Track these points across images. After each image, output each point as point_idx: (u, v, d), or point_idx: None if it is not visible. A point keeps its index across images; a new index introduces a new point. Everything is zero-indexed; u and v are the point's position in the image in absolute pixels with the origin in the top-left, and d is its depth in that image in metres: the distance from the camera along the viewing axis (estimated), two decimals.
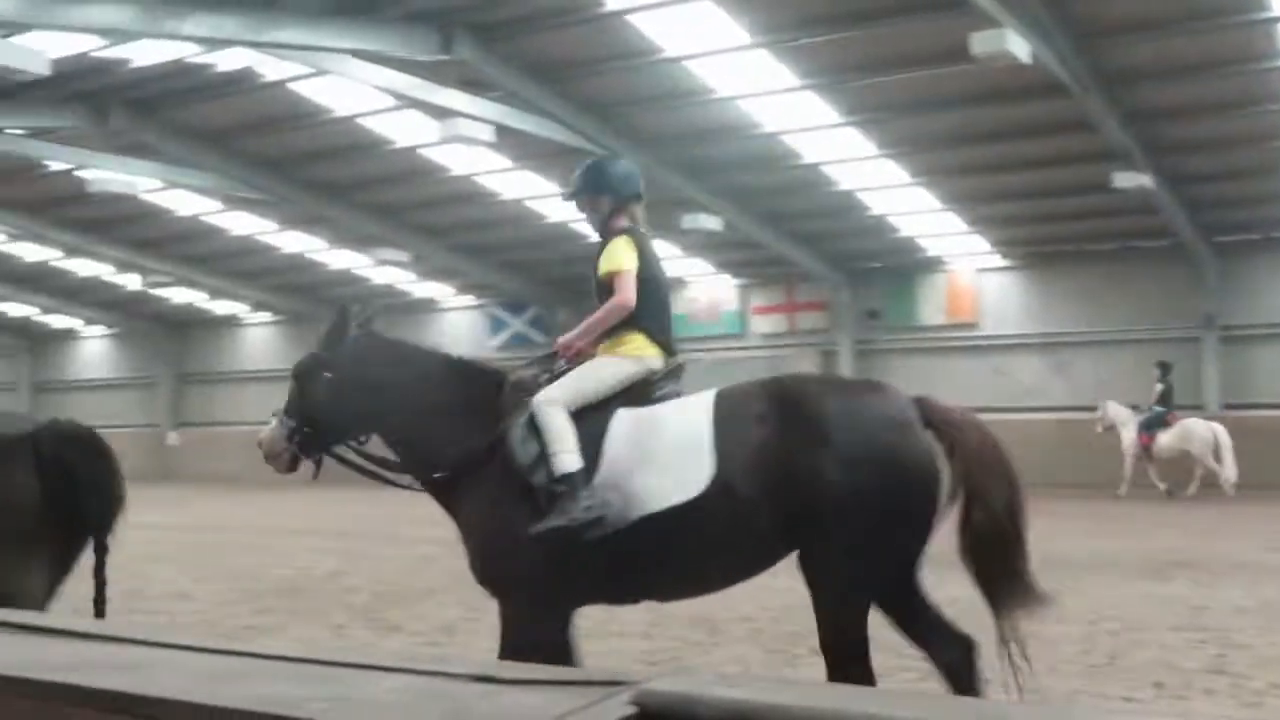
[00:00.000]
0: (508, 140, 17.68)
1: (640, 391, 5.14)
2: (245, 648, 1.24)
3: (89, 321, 34.39)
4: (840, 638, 4.63)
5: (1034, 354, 22.77)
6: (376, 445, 5.45)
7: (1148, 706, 5.89)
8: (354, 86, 16.62)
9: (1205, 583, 10.01)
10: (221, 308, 31.90)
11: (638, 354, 5.20)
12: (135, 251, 26.49)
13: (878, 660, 4.72)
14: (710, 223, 20.83)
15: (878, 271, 24.11)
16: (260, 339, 32.48)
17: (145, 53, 16.00)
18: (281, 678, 1.13)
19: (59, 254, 27.89)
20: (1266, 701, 5.90)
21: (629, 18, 14.70)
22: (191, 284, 29.33)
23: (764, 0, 14.30)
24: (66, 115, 17.97)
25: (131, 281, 29.55)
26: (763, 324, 25.65)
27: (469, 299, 28.89)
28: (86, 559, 5.21)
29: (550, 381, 5.14)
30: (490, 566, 5.08)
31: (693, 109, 17.38)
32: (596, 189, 5.50)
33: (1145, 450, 19.23)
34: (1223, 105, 16.28)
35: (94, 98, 17.79)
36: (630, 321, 5.21)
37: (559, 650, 4.89)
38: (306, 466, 5.51)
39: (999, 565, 4.63)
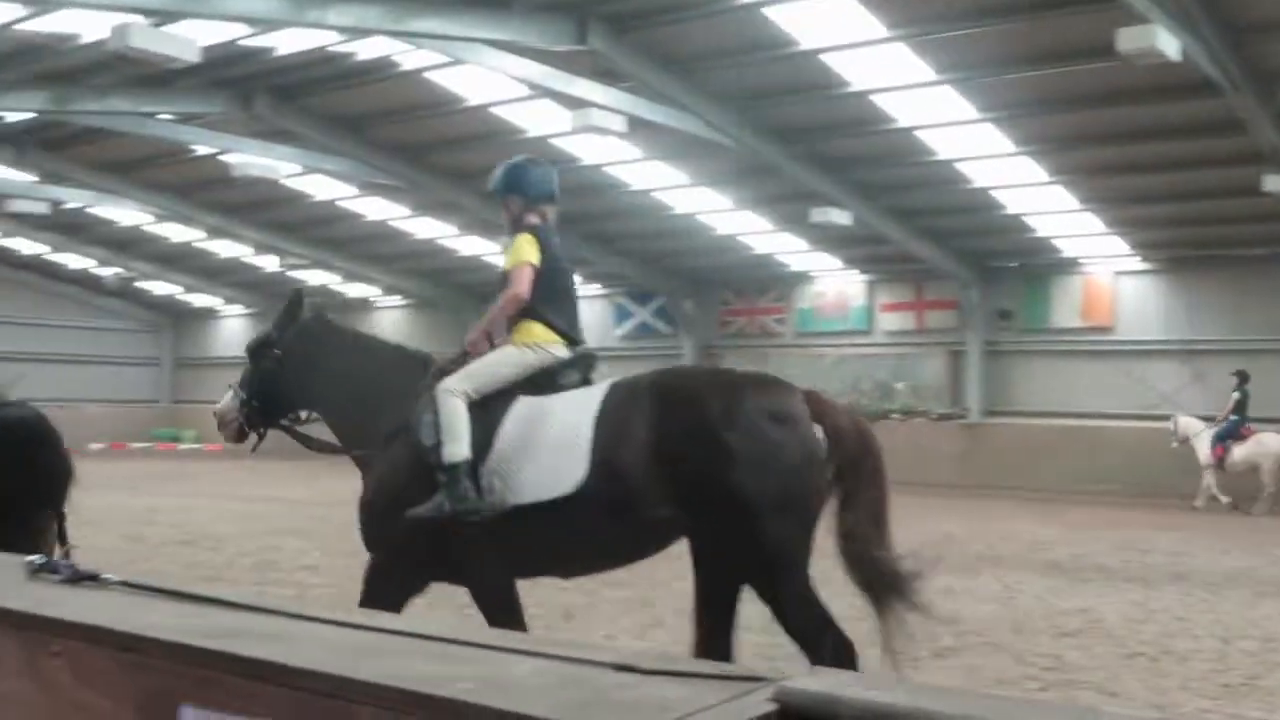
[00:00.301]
0: (639, 131, 17.72)
1: (546, 380, 5.36)
2: (386, 624, 1.26)
3: (229, 300, 35.44)
4: (721, 621, 5.03)
5: (1172, 361, 22.04)
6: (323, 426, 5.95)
7: None
8: (488, 75, 16.81)
9: None
10: (354, 290, 32.60)
11: (536, 342, 5.44)
12: (274, 234, 27.23)
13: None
14: (839, 217, 20.61)
15: (1010, 271, 23.60)
16: (391, 322, 33.09)
17: (289, 41, 16.41)
18: (422, 656, 1.15)
19: (203, 235, 28.82)
20: None
21: (764, 10, 14.60)
22: (326, 267, 30.02)
23: None
24: (213, 101, 18.55)
25: (270, 263, 30.38)
26: (890, 321, 25.31)
27: (595, 288, 29.04)
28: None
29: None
30: (372, 527, 5.47)
31: (825, 102, 17.20)
32: (508, 189, 5.90)
33: (1219, 462, 18.66)
34: None
35: (239, 85, 18.32)
36: (530, 312, 5.46)
37: (507, 607, 5.37)
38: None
39: (867, 563, 4.85)
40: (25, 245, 31.14)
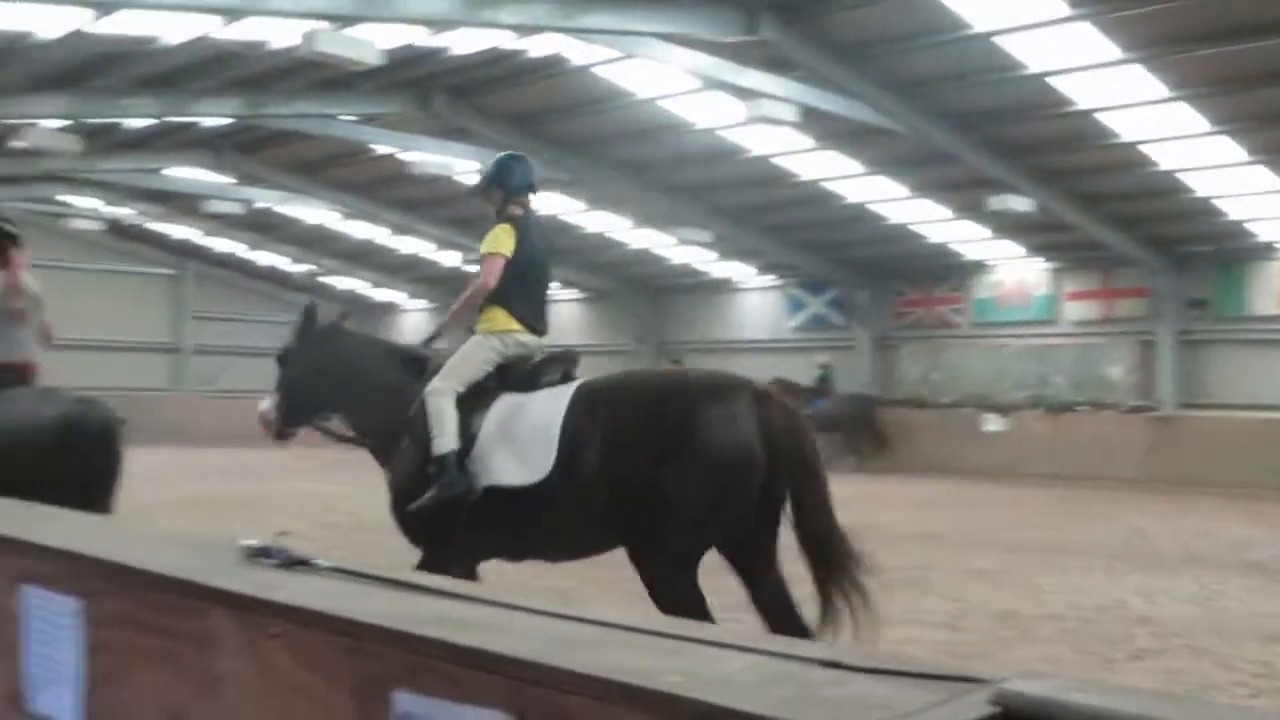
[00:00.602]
0: (810, 120, 17.56)
1: (528, 378, 5.83)
2: (596, 616, 1.28)
3: (410, 295, 36.46)
4: (777, 600, 5.33)
5: None
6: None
7: None
8: (658, 69, 16.89)
9: None
10: None
11: (501, 329, 5.89)
12: (452, 230, 27.88)
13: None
14: (1018, 204, 20.04)
15: (1205, 257, 22.57)
16: (565, 315, 33.55)
17: (463, 41, 16.79)
18: (632, 647, 1.16)
19: (385, 232, 29.72)
20: None
21: None
22: None
23: None
24: (393, 102, 19.12)
25: (449, 258, 31.14)
26: (1076, 310, 24.49)
27: (768, 279, 28.92)
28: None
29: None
30: (400, 523, 5.94)
31: (1002, 86, 16.73)
32: (490, 184, 6.28)
33: None
34: None
35: (416, 85, 18.83)
36: (495, 299, 5.91)
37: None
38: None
39: (823, 544, 5.24)
40: (223, 244, 32.65)
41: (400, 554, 6.19)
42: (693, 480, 5.07)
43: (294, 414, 6.56)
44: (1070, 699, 0.89)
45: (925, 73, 16.60)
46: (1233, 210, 20.70)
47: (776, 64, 16.09)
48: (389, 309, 37.77)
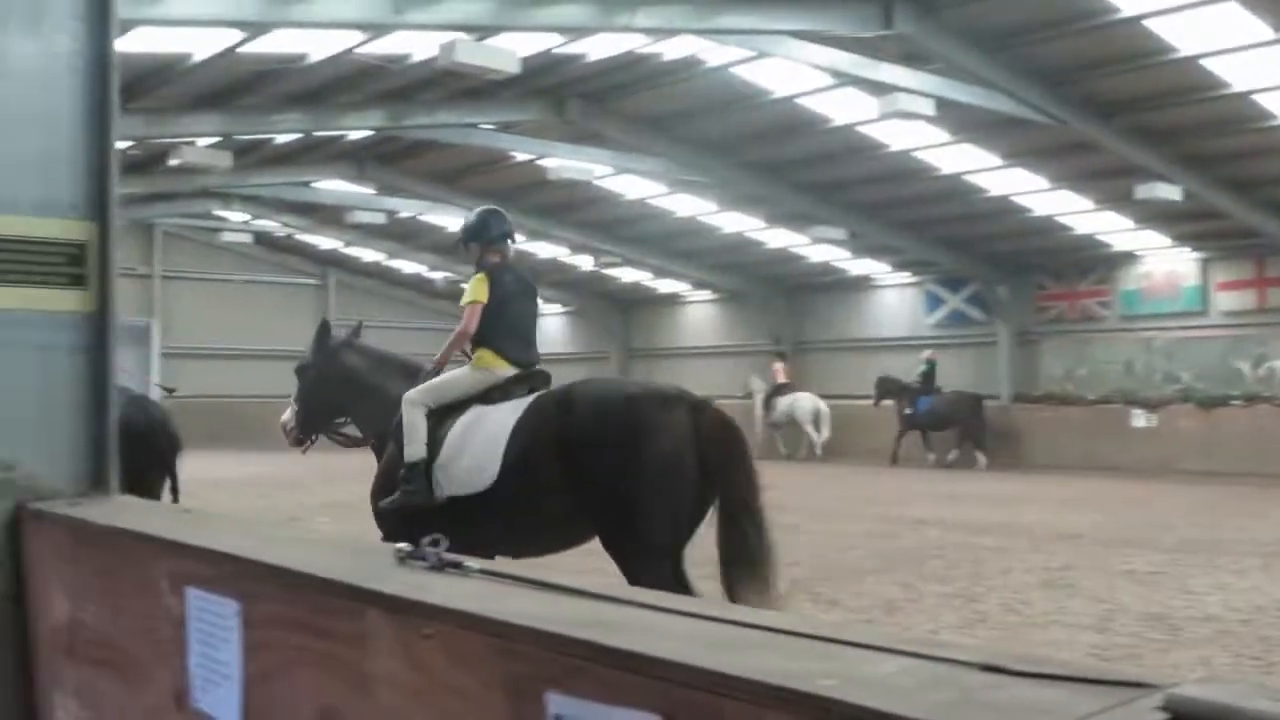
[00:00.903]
0: (948, 113, 17.26)
1: (499, 393, 6.42)
2: (744, 618, 1.27)
3: (546, 300, 36.86)
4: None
5: None
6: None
7: None
8: (793, 67, 16.79)
9: None
10: (665, 286, 33.26)
11: (486, 366, 6.56)
12: (587, 234, 28.14)
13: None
14: (1167, 192, 19.40)
15: None
16: (701, 316, 33.60)
17: (599, 47, 16.91)
18: (784, 650, 1.15)
19: (522, 238, 30.01)
20: None
21: None
22: (637, 264, 30.76)
23: None
24: (529, 109, 19.36)
25: (584, 262, 31.43)
26: (1227, 301, 23.60)
27: (905, 276, 28.52)
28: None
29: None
30: (376, 516, 6.55)
31: (1150, 70, 16.20)
32: (465, 239, 6.98)
33: None
34: None
35: (552, 92, 19.04)
36: (482, 342, 6.59)
37: None
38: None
39: (739, 542, 5.56)
40: (366, 253, 33.48)
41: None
42: (638, 479, 5.62)
43: (310, 422, 7.30)
44: (1249, 706, 0.85)
45: (1068, 60, 16.17)
46: None
47: (912, 57, 15.85)
48: None
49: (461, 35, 13.87)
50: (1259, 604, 8.54)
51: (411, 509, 6.16)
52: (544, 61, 16.96)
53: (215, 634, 2.03)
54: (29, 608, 2.91)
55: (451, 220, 28.64)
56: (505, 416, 6.13)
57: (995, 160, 20.41)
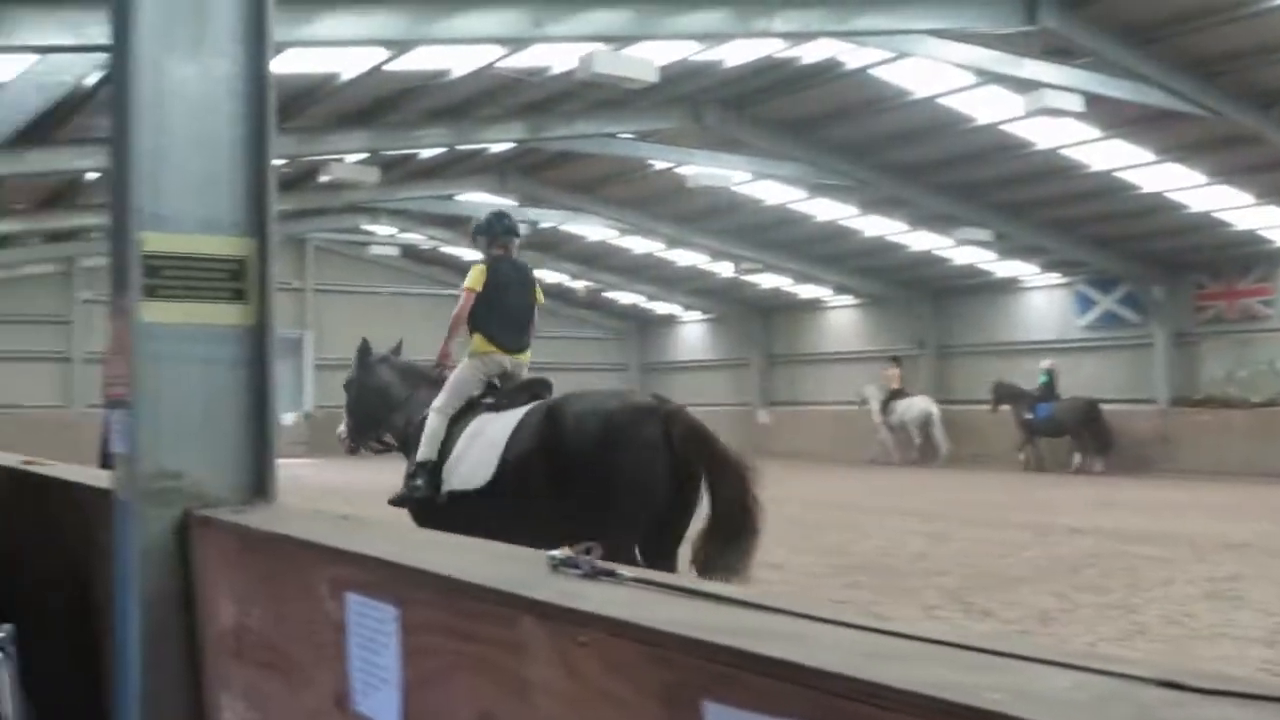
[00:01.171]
0: (1097, 109, 16.77)
1: (504, 400, 7.07)
2: (900, 628, 1.25)
3: (687, 307, 36.95)
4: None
5: None
6: None
7: None
8: (934, 66, 16.52)
9: None
10: (806, 292, 33.02)
11: (480, 352, 7.26)
12: (727, 241, 28.10)
13: None
14: None
15: None
16: (842, 321, 33.26)
17: (736, 53, 16.89)
18: (945, 661, 1.12)
19: (661, 246, 30.23)
20: None
21: None
22: (778, 270, 30.60)
23: None
24: (668, 117, 19.44)
25: (724, 269, 31.40)
26: None
27: (1054, 277, 27.79)
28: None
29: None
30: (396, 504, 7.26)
31: None
32: (475, 236, 7.95)
33: None
34: None
35: (691, 99, 19.07)
36: (475, 327, 7.32)
37: None
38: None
39: (714, 553, 6.12)
40: None
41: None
42: (610, 485, 6.26)
43: (359, 432, 8.11)
44: None
45: (1222, 50, 15.57)
46: None
47: (1058, 53, 15.45)
48: (668, 321, 38.38)
49: (600, 46, 14.00)
50: None
51: (414, 504, 7.00)
52: (681, 69, 17.01)
53: (375, 639, 2.07)
54: (197, 611, 3.01)
55: (592, 230, 28.98)
56: (506, 423, 6.81)
57: (1148, 156, 19.76)
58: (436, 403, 7.18)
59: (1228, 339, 24.83)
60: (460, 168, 24.06)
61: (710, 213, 26.01)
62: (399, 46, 14.22)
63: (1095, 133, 18.89)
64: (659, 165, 22.72)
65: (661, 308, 37.56)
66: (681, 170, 22.19)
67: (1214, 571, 10.25)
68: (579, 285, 35.04)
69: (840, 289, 32.04)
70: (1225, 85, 16.42)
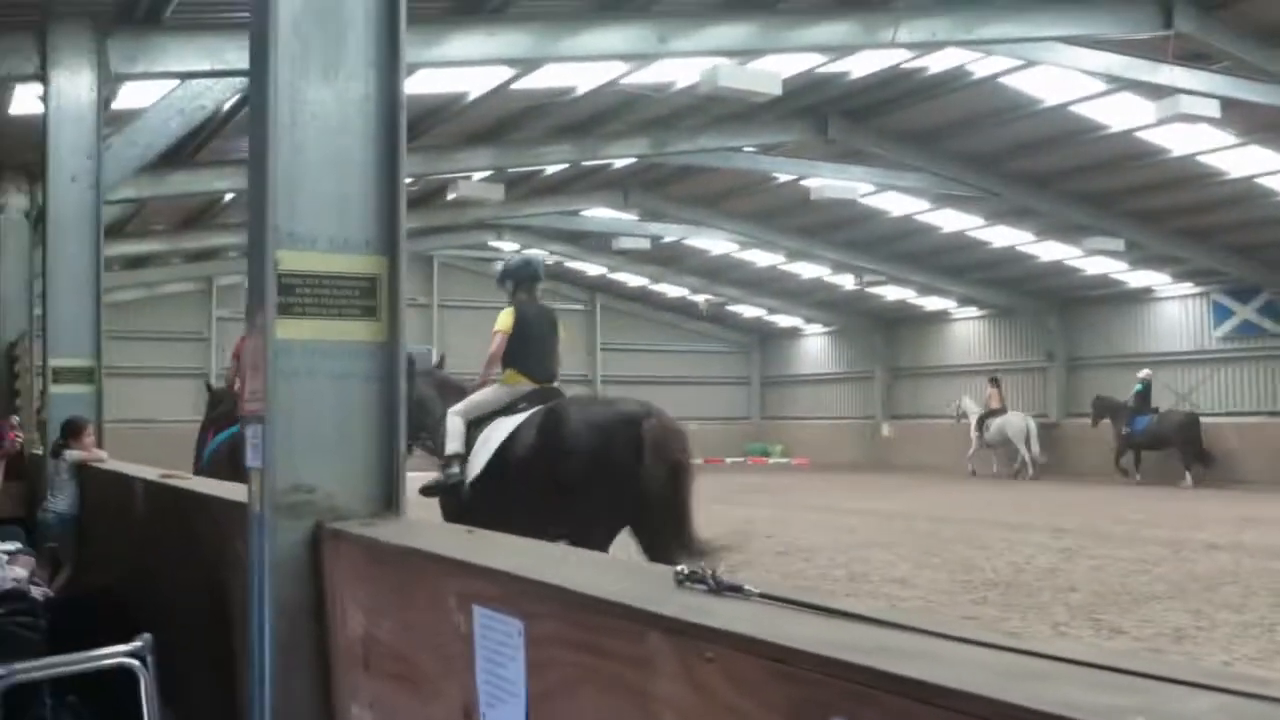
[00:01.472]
0: (1234, 114, 16.23)
1: (523, 402, 8.07)
2: (1033, 647, 1.22)
3: (809, 320, 36.70)
4: None
5: None
6: None
7: None
8: (1063, 74, 16.18)
9: None
10: (930, 304, 32.57)
11: (510, 383, 8.26)
12: (850, 253, 27.85)
13: None
14: None
15: None
16: (967, 333, 32.72)
17: (861, 64, 16.74)
18: (1083, 682, 1.09)
19: (783, 259, 30.10)
20: None
21: None
22: (902, 281, 30.24)
23: None
24: (791, 130, 19.35)
25: (847, 281, 31.13)
26: None
27: (1187, 286, 26.95)
28: None
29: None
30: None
31: None
32: (502, 280, 8.78)
33: None
34: None
35: (814, 111, 18.96)
36: (508, 363, 8.25)
37: None
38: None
39: (671, 543, 7.03)
40: (631, 278, 34.19)
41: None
42: (588, 482, 7.16)
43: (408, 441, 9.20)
44: None
45: None
46: None
47: (1194, 57, 15.00)
48: (790, 334, 38.17)
49: (723, 60, 14.00)
50: None
51: (445, 491, 7.94)
52: (805, 82, 16.92)
53: (501, 651, 2.10)
54: (327, 621, 3.08)
55: (715, 243, 28.99)
56: (508, 425, 7.86)
57: None
58: (456, 408, 8.23)
59: None
60: (583, 184, 24.27)
61: (834, 225, 25.82)
62: (525, 65, 14.40)
63: (1232, 139, 18.29)
64: (783, 178, 22.62)
65: (784, 321, 37.39)
66: (806, 183, 22.06)
67: None
68: (701, 299, 35.07)
69: (965, 300, 31.53)
70: None
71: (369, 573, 2.83)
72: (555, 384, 8.48)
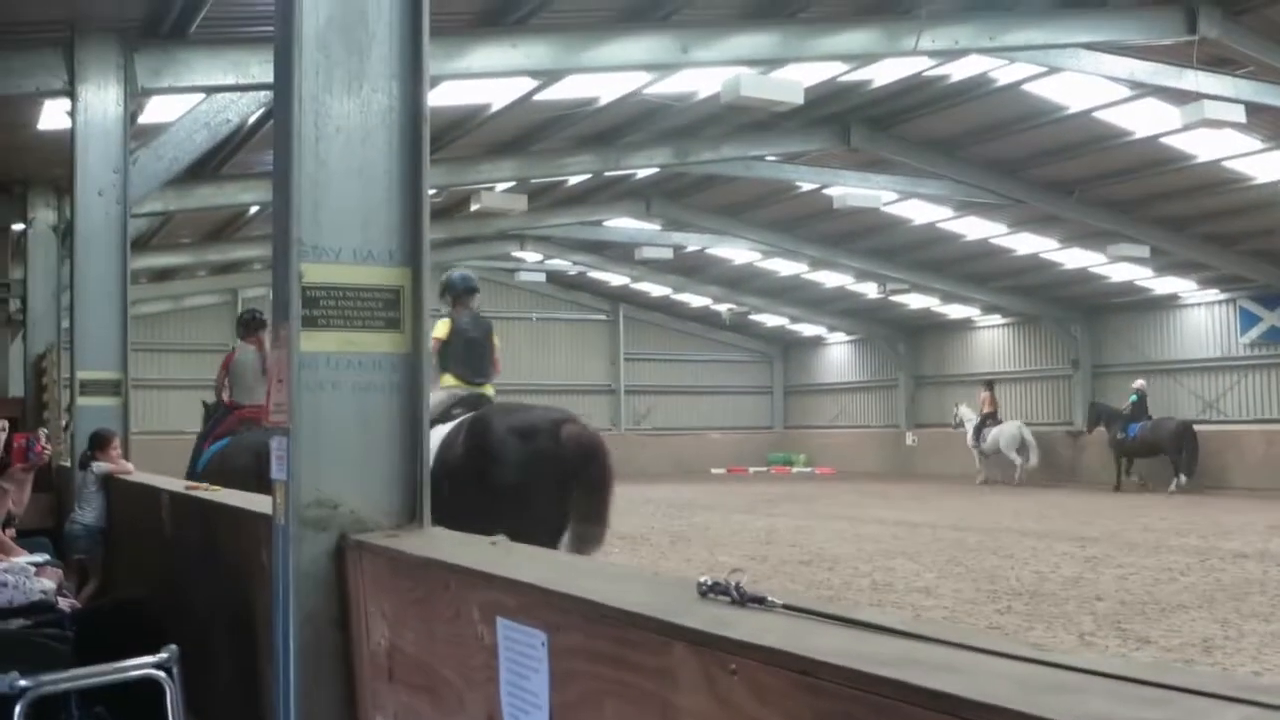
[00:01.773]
0: (1260, 119, 16.14)
1: (458, 409, 8.44)
2: (1059, 659, 1.21)
3: (832, 329, 36.62)
4: None
5: None
6: None
7: None
8: (1086, 80, 16.11)
9: None
10: (954, 311, 32.45)
11: (446, 386, 8.62)
12: (873, 261, 27.79)
13: None
14: None
15: None
16: (991, 341, 32.59)
17: (884, 72, 16.71)
18: (1110, 695, 1.09)
19: (805, 267, 30.06)
20: None
21: None
22: (925, 289, 30.15)
23: None
24: (813, 139, 19.33)
25: (870, 290, 31.06)
26: None
27: (1213, 293, 26.77)
28: None
29: None
30: None
31: None
32: (442, 294, 9.25)
33: None
34: None
35: (837, 120, 18.95)
36: (444, 369, 8.66)
37: None
38: None
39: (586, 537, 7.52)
40: (653, 288, 34.20)
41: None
42: (508, 485, 7.55)
43: None
44: None
45: None
46: None
47: (1218, 62, 14.92)
48: (813, 343, 38.09)
49: (745, 70, 14.00)
50: None
51: None
52: (828, 90, 16.90)
53: (524, 663, 2.09)
54: (351, 633, 3.09)
55: (737, 252, 28.97)
56: (439, 432, 7.92)
57: None
58: None
59: None
60: (606, 194, 24.31)
61: (856, 233, 25.77)
62: (548, 76, 14.44)
63: (1258, 144, 18.18)
64: (805, 187, 22.60)
65: (807, 330, 37.32)
66: (828, 191, 22.03)
67: None
68: (724, 309, 35.06)
69: (989, 308, 31.40)
70: None
71: (393, 584, 2.84)
72: (488, 387, 8.97)
